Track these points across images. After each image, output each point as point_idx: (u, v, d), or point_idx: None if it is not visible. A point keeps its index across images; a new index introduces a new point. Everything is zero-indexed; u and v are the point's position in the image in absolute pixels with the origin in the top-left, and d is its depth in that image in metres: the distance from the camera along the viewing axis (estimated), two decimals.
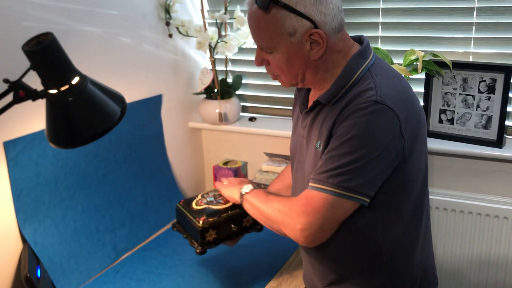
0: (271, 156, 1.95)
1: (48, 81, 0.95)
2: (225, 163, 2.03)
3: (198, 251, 1.29)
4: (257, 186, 1.25)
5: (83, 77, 0.98)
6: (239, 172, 2.00)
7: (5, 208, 1.31)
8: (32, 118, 1.35)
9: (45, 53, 0.91)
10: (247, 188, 1.23)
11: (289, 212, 1.07)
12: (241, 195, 1.23)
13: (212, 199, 1.37)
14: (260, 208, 1.16)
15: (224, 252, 1.55)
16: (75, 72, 0.97)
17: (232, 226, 1.32)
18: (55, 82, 0.95)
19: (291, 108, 2.01)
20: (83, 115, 0.98)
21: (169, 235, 1.69)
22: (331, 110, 1.06)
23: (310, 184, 1.05)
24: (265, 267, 1.47)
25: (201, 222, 1.28)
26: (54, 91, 0.95)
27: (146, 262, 1.52)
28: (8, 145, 1.30)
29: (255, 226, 1.38)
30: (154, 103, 1.83)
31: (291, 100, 2.00)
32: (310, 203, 1.03)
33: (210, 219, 1.29)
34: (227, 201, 1.35)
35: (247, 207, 1.22)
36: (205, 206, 1.34)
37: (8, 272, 1.32)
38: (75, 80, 0.96)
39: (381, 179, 1.03)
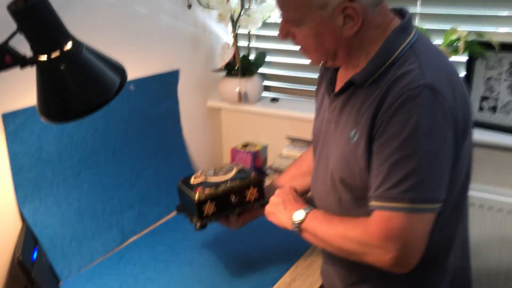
0: (293, 140, 1.82)
1: (37, 45, 0.84)
2: (244, 146, 1.92)
3: (197, 225, 1.19)
4: (309, 206, 1.08)
5: (77, 43, 0.87)
6: (258, 156, 1.88)
7: (3, 184, 1.23)
8: (35, 89, 1.26)
9: (33, 12, 0.81)
10: (300, 214, 1.04)
11: (370, 241, 0.91)
12: (296, 226, 1.04)
13: (212, 172, 1.26)
14: (326, 240, 0.99)
15: (235, 243, 1.44)
16: (68, 36, 0.86)
17: (232, 198, 1.21)
18: (45, 47, 0.84)
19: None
20: (77, 85, 0.88)
21: (181, 219, 1.57)
22: (368, 93, 0.92)
23: (381, 203, 0.89)
24: (279, 260, 1.35)
25: (196, 194, 1.17)
26: (44, 57, 0.85)
27: (153, 248, 1.43)
28: (7, 117, 1.21)
29: (260, 201, 1.26)
30: (170, 79, 1.72)
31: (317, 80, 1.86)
32: (392, 226, 0.88)
33: (207, 190, 1.18)
34: (227, 173, 1.24)
35: (307, 238, 1.04)
36: (203, 179, 1.23)
37: (6, 253, 1.24)
38: (68, 45, 0.86)
39: (447, 176, 0.89)
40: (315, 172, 1.14)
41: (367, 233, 0.91)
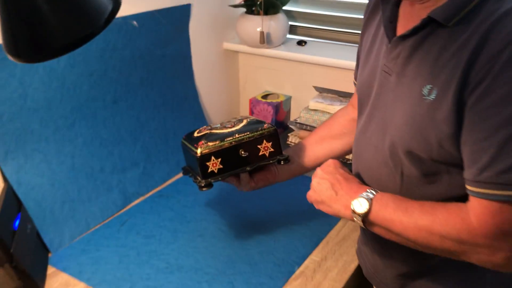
0: (322, 91, 1.58)
1: None
2: (265, 96, 1.68)
3: (201, 185, 0.97)
4: (369, 188, 0.81)
5: None
6: (281, 109, 1.64)
7: None
8: None
9: None
10: (362, 204, 0.78)
11: (473, 239, 0.69)
12: (361, 218, 0.79)
13: (218, 125, 1.05)
14: (406, 235, 0.76)
15: (254, 211, 1.24)
16: None
17: (242, 152, 0.99)
18: None
19: (352, 31, 1.61)
20: (54, 13, 0.64)
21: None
22: (453, 36, 0.68)
23: (489, 191, 0.66)
24: (305, 233, 1.15)
25: (198, 148, 0.96)
26: None
27: (159, 213, 1.23)
28: None
29: (277, 155, 1.03)
30: (181, 15, 1.46)
31: (354, 20, 1.59)
32: (503, 221, 0.67)
33: (210, 143, 0.97)
34: (236, 125, 1.03)
35: (377, 231, 0.80)
36: (207, 131, 1.02)
37: None
38: None
39: None
40: (361, 138, 0.90)
41: (468, 229, 0.68)
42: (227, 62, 1.72)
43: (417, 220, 0.74)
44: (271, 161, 1.02)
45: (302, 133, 1.53)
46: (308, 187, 0.89)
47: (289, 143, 1.56)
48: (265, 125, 1.03)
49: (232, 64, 1.75)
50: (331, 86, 1.55)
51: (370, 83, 0.88)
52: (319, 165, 1.10)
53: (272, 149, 1.02)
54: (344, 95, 1.54)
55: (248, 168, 0.99)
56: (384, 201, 0.78)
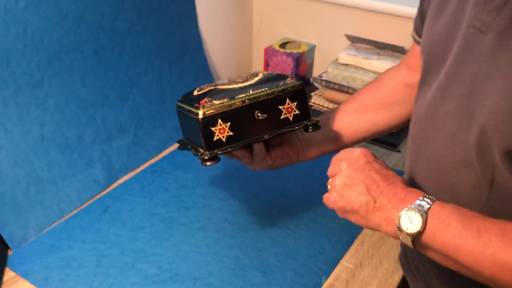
0: (355, 40, 1.29)
1: None
2: (283, 45, 1.39)
3: (204, 158, 0.71)
4: (423, 195, 0.58)
5: None
6: (303, 61, 1.36)
7: None
8: None
9: None
10: (415, 220, 0.55)
11: None
12: (410, 239, 0.56)
13: (225, 81, 0.79)
14: (471, 267, 0.52)
15: (271, 199, 0.99)
16: None
17: (258, 114, 0.73)
18: None
19: None
20: None
21: None
22: None
23: None
24: (335, 229, 0.91)
25: (200, 108, 0.70)
26: None
27: (151, 196, 0.99)
28: None
29: (304, 120, 0.77)
30: None
31: None
32: None
33: (216, 102, 0.71)
34: (250, 79, 0.77)
35: (431, 256, 0.58)
36: (211, 87, 0.76)
37: None
38: None
39: None
40: (426, 121, 0.64)
41: None
42: (238, 2, 1.42)
43: (497, 252, 0.50)
44: (296, 127, 0.76)
45: (329, 93, 1.25)
46: None
47: (312, 104, 1.29)
48: (288, 79, 0.76)
49: (244, 5, 1.44)
50: (367, 35, 1.26)
51: (447, 41, 0.61)
52: (357, 142, 0.85)
53: (297, 111, 0.76)
54: (383, 47, 1.25)
55: (266, 136, 0.73)
56: (445, 216, 0.54)
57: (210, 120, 0.70)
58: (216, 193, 1.00)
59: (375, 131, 0.84)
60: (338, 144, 0.83)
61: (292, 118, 0.76)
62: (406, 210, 0.55)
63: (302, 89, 0.76)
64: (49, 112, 0.95)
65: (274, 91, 0.74)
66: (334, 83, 1.24)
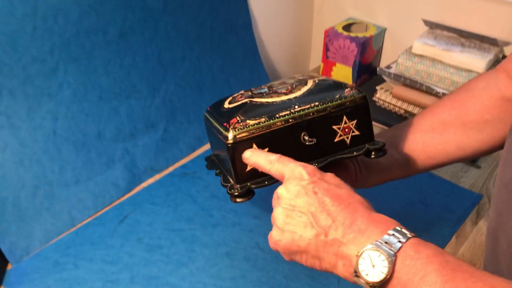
0: (435, 26, 1.06)
1: None
2: (347, 27, 1.19)
3: (234, 193, 0.56)
4: (402, 234, 0.42)
5: None
6: (369, 46, 1.16)
7: None
8: None
9: None
10: (378, 265, 0.40)
11: None
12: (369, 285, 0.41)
13: (265, 89, 0.62)
14: None
15: None
16: None
17: (306, 137, 0.56)
18: None
19: None
20: None
21: None
22: None
23: None
24: None
25: (230, 130, 0.55)
26: None
27: (176, 206, 0.85)
28: None
29: (365, 143, 0.59)
30: None
31: None
32: None
33: (251, 122, 0.55)
34: (296, 89, 0.60)
35: None
36: (246, 100, 0.59)
37: None
38: None
39: None
40: None
41: None
42: None
43: None
44: (355, 153, 0.58)
45: (398, 89, 1.05)
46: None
47: (375, 100, 1.09)
48: (347, 90, 0.58)
49: None
50: (450, 20, 1.04)
51: None
52: (431, 168, 0.67)
53: (356, 132, 0.58)
54: (468, 36, 1.02)
55: (315, 165, 0.56)
56: (422, 263, 0.39)
57: (243, 146, 0.55)
58: (250, 210, 0.84)
59: (457, 157, 0.65)
60: (407, 170, 0.65)
61: (350, 141, 0.59)
62: (368, 249, 0.40)
63: (365, 103, 0.58)
64: (64, 104, 0.82)
65: (327, 107, 0.56)
66: (405, 78, 1.03)
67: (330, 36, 1.16)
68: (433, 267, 0.38)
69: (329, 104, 0.56)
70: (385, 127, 1.04)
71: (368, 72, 1.20)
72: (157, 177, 0.91)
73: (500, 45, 1.00)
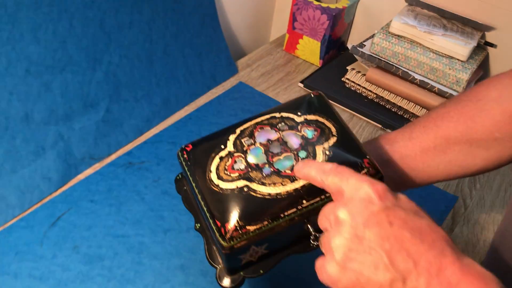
0: (416, 4, 0.96)
1: None
2: None
3: (224, 281, 0.49)
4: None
5: None
6: (341, 19, 1.05)
7: None
8: None
9: None
10: None
11: None
12: None
13: (261, 155, 0.49)
14: None
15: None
16: None
17: (308, 226, 0.47)
18: None
19: None
20: None
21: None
22: None
23: None
24: None
25: (227, 237, 0.45)
26: None
27: (120, 204, 0.72)
28: None
29: None
30: None
31: None
32: None
33: (252, 228, 0.45)
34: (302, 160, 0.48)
35: None
36: (242, 184, 0.47)
37: None
38: None
39: None
40: None
41: None
42: None
43: None
44: None
45: (372, 72, 0.95)
46: None
47: (345, 81, 1.00)
48: (363, 171, 0.47)
49: None
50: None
51: None
52: (427, 184, 0.59)
53: None
54: (450, 17, 0.93)
55: (315, 245, 0.47)
56: None
57: (239, 252, 0.46)
58: None
59: (459, 175, 0.57)
60: (401, 188, 0.57)
61: None
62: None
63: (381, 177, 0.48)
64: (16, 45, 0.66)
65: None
66: (380, 59, 0.94)
67: (299, 4, 1.04)
68: None
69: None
70: (354, 113, 0.95)
71: (336, 47, 1.09)
72: (97, 166, 0.78)
73: (483, 30, 0.92)
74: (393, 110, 0.95)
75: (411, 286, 0.35)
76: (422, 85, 0.91)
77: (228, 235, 0.44)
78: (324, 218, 0.41)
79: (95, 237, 0.68)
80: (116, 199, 0.73)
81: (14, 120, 0.70)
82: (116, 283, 0.63)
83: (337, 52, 1.10)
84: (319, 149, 0.49)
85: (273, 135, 0.51)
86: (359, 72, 0.98)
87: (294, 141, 0.50)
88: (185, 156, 0.50)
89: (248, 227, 0.44)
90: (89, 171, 0.77)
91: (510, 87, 0.54)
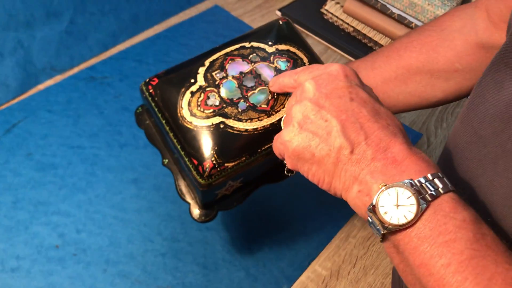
0: None
1: None
2: None
3: (197, 219, 0.50)
4: (442, 182, 0.33)
5: None
6: None
7: None
8: None
9: None
10: (403, 208, 0.32)
11: None
12: (383, 230, 0.34)
13: (234, 89, 0.47)
14: None
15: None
16: None
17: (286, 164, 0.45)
18: None
19: None
20: None
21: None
22: None
23: None
24: (311, 221, 0.67)
25: (205, 175, 0.44)
26: None
27: (79, 117, 0.72)
28: None
29: None
30: None
31: None
32: None
33: (230, 164, 0.45)
34: (274, 107, 0.47)
35: (392, 256, 0.36)
36: (218, 120, 0.45)
37: None
38: None
39: None
40: (488, 132, 0.39)
41: None
42: None
43: None
44: None
45: (350, 3, 0.92)
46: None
47: (323, 12, 0.97)
48: None
49: None
50: None
51: None
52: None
53: None
54: None
55: (288, 174, 0.45)
56: (455, 224, 0.32)
57: (217, 187, 0.46)
58: None
59: (418, 106, 0.57)
60: None
61: None
62: (398, 186, 0.33)
63: None
64: None
65: None
66: None
67: None
68: (465, 234, 0.31)
69: None
70: (329, 46, 0.93)
71: None
72: (58, 78, 0.76)
73: None
74: (369, 45, 0.93)
75: (358, 155, 0.35)
76: (400, 20, 0.89)
77: (206, 173, 0.44)
78: (293, 95, 0.41)
79: (50, 146, 0.68)
80: (75, 111, 0.72)
81: None
82: (67, 191, 0.63)
83: None
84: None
85: (246, 67, 0.48)
86: (338, 3, 0.95)
87: (267, 73, 0.48)
88: (151, 91, 0.48)
89: (226, 164, 0.44)
90: (49, 82, 0.75)
91: (474, 17, 0.52)
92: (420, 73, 0.53)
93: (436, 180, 0.33)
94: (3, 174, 0.63)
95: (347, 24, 0.94)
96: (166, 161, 0.52)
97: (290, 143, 0.38)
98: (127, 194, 0.64)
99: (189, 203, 0.50)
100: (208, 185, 0.44)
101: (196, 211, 0.49)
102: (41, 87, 0.74)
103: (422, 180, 0.33)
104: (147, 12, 0.87)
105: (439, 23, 0.56)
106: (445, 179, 0.34)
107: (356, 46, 0.93)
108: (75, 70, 0.78)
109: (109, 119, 0.72)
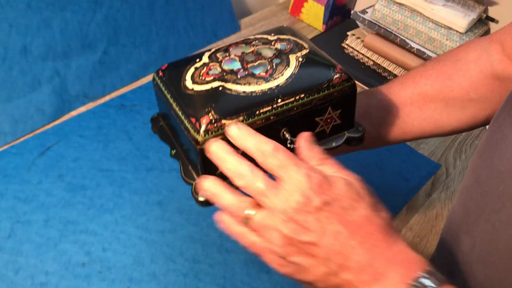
0: None
1: None
2: None
3: (199, 200, 0.49)
4: (435, 278, 0.34)
5: None
6: None
7: None
8: None
9: None
10: None
11: None
12: None
13: (238, 65, 0.49)
14: None
15: None
16: None
17: (286, 135, 0.47)
18: None
19: None
20: None
21: None
22: None
23: None
24: None
25: (202, 130, 0.45)
26: None
27: (108, 142, 0.75)
28: None
29: (345, 130, 0.51)
30: None
31: None
32: None
33: (227, 122, 0.44)
34: (276, 69, 0.49)
35: None
36: (218, 84, 0.47)
37: None
38: None
39: None
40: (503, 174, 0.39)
41: None
42: None
43: None
44: (334, 145, 0.50)
45: (370, 38, 0.96)
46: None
47: (344, 47, 1.00)
48: (336, 77, 0.47)
49: None
50: None
51: None
52: (404, 141, 0.60)
53: (338, 121, 0.50)
54: None
55: (291, 146, 0.47)
56: None
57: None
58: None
59: (433, 134, 0.58)
60: (377, 143, 0.58)
61: (330, 130, 0.50)
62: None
63: (353, 92, 0.49)
64: None
65: (313, 99, 0.46)
66: (380, 26, 0.94)
67: None
68: None
69: (316, 96, 0.47)
70: None
71: (341, 13, 1.09)
72: (90, 106, 0.81)
73: (486, 4, 0.92)
74: (388, 78, 0.96)
75: (345, 277, 0.36)
76: (419, 54, 0.92)
77: (203, 128, 0.44)
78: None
79: (81, 168, 0.71)
80: (105, 137, 0.76)
81: (12, 51, 0.73)
82: (95, 211, 0.66)
83: (341, 18, 1.10)
84: (292, 57, 0.50)
85: (248, 49, 0.51)
86: (358, 38, 0.99)
87: (268, 52, 0.51)
88: (161, 74, 0.51)
89: (223, 121, 0.44)
90: (82, 109, 0.80)
91: (489, 50, 0.54)
92: (435, 101, 0.55)
93: (423, 281, 0.34)
94: (37, 194, 0.67)
95: (367, 57, 0.97)
96: (173, 151, 0.53)
97: (281, 269, 0.39)
98: (151, 215, 0.67)
99: (192, 184, 0.49)
100: (205, 142, 0.44)
101: (197, 193, 0.48)
102: (74, 113, 0.79)
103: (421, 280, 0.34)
104: (175, 45, 0.91)
105: (454, 53, 0.58)
106: (431, 278, 0.34)
107: (376, 79, 0.96)
108: (107, 98, 0.82)
109: (137, 144, 0.76)
